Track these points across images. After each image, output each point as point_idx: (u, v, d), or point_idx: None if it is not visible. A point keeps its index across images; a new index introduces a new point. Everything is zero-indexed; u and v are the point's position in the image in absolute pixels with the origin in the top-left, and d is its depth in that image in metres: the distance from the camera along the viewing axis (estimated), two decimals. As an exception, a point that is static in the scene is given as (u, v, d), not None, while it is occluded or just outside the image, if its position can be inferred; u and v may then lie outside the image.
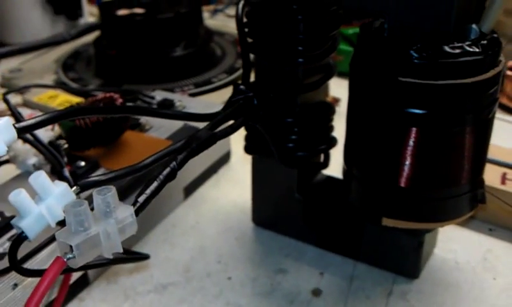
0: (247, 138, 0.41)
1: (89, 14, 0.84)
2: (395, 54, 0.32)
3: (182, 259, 0.42)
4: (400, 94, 0.32)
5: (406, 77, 0.31)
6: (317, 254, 0.42)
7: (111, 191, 0.26)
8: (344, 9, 0.37)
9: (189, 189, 0.48)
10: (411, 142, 0.33)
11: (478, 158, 0.35)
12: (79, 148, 0.43)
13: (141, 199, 0.28)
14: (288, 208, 0.42)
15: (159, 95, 0.52)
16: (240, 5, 0.35)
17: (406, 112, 0.32)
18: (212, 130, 0.33)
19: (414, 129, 0.33)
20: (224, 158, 0.52)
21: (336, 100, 0.58)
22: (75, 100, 0.58)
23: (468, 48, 0.31)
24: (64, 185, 0.26)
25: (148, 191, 0.28)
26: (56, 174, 0.39)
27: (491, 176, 0.43)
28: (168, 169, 0.29)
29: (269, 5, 0.35)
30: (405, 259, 0.39)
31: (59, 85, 0.66)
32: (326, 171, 0.43)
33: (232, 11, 0.88)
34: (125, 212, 0.26)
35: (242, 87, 0.36)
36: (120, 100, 0.44)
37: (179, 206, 0.47)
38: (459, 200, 0.35)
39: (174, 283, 0.40)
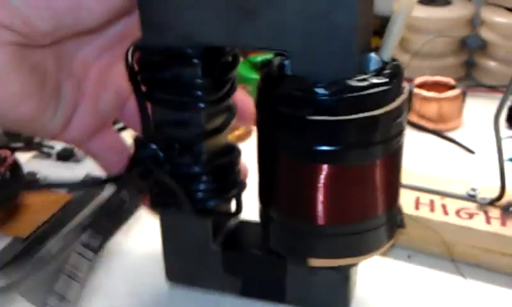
0: (151, 191, 0.37)
1: None
2: (300, 92, 0.30)
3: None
4: (309, 133, 0.31)
5: (314, 115, 0.30)
6: (237, 304, 0.40)
7: None
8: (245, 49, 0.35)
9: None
10: (324, 180, 0.32)
11: (392, 188, 0.34)
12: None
13: None
14: (205, 260, 0.39)
15: (59, 144, 0.51)
16: (130, 52, 0.32)
17: (316, 150, 0.31)
18: (119, 196, 0.30)
19: (325, 166, 0.32)
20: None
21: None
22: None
23: (373, 80, 0.30)
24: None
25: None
26: None
27: (405, 201, 0.43)
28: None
29: (162, 50, 0.32)
30: (333, 296, 0.38)
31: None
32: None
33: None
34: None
35: (144, 142, 0.33)
36: (11, 158, 0.40)
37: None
38: (379, 231, 0.34)
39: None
